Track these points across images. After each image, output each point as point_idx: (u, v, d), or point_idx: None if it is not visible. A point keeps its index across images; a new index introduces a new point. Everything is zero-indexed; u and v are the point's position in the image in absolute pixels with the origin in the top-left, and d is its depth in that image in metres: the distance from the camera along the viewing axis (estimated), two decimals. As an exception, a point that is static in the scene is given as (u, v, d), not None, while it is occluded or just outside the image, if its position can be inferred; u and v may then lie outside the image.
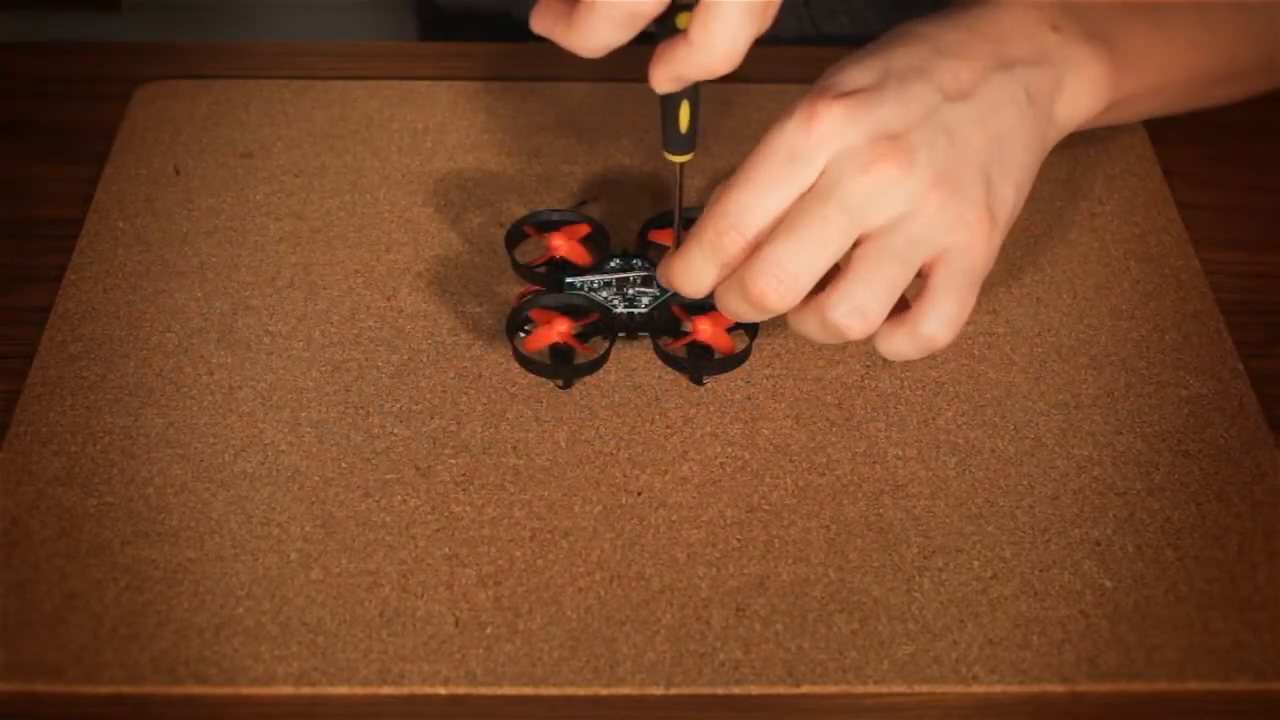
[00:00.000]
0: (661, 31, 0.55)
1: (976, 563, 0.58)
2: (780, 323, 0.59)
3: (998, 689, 0.55)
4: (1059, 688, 0.55)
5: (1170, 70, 0.65)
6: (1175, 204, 0.74)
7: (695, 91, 0.58)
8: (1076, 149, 0.76)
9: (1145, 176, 0.76)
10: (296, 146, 0.76)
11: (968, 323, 0.67)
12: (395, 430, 0.62)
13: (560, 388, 0.64)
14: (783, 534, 0.59)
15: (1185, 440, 0.63)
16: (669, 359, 0.64)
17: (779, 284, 0.55)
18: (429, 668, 0.55)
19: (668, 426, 0.63)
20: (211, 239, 0.71)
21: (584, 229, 0.68)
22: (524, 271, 0.67)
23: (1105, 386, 0.65)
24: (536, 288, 0.66)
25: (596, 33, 0.53)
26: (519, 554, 0.58)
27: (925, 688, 0.55)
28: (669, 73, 0.55)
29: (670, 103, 0.58)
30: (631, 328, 0.65)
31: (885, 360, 0.64)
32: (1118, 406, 0.64)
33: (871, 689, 0.55)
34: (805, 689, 0.55)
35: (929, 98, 0.56)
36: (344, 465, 0.61)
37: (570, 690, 0.54)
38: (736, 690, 0.55)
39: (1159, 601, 0.57)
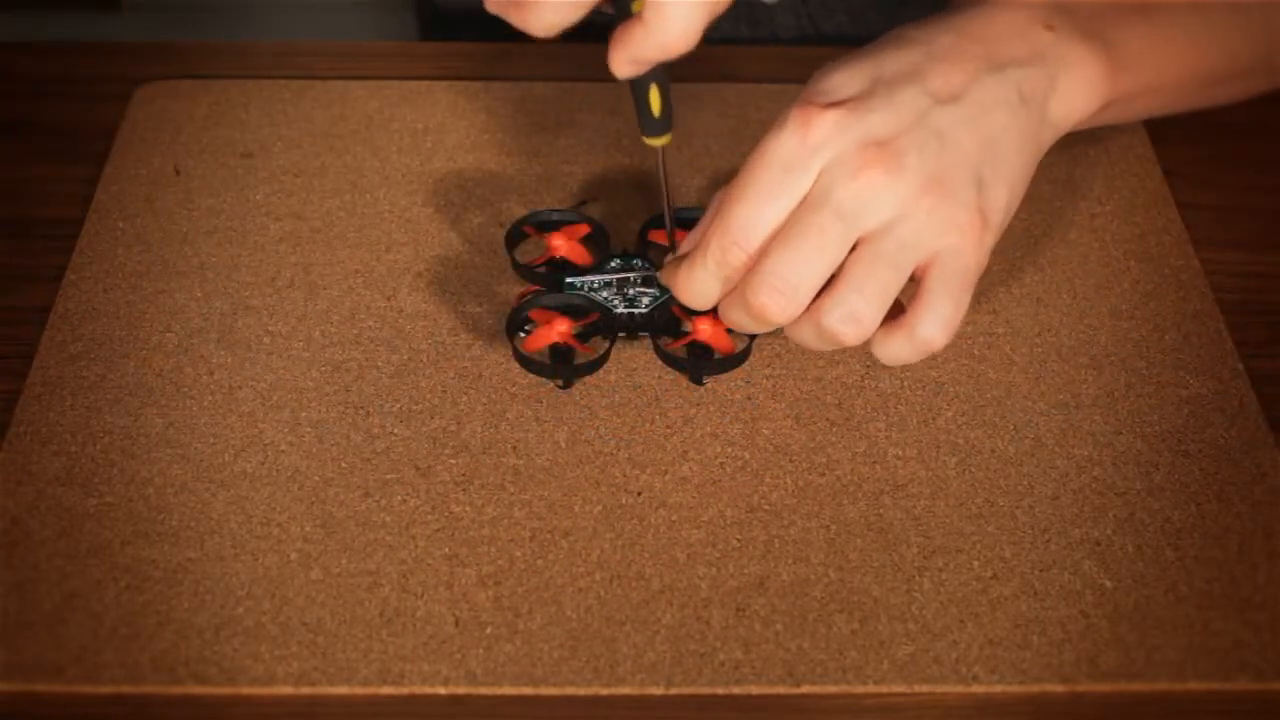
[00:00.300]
0: (618, 15, 0.55)
1: (976, 563, 0.58)
2: (780, 323, 0.59)
3: (998, 689, 0.55)
4: (1059, 688, 0.55)
5: (1169, 70, 0.65)
6: (1175, 204, 0.74)
7: (664, 73, 0.58)
8: (1076, 149, 0.76)
9: (1145, 176, 0.76)
10: (296, 146, 0.76)
11: (967, 323, 0.67)
12: (395, 430, 0.62)
13: (560, 388, 0.64)
14: (783, 534, 0.59)
15: (1185, 440, 0.63)
16: (669, 359, 0.64)
17: (780, 295, 0.55)
18: (429, 668, 0.55)
19: (668, 426, 0.63)
20: (211, 239, 0.71)
21: (584, 229, 0.68)
22: (524, 271, 0.67)
23: (1105, 386, 0.65)
24: (536, 288, 0.66)
25: (547, 11, 0.54)
26: (519, 554, 0.58)
27: (925, 688, 0.55)
28: (626, 55, 0.55)
29: (639, 87, 0.58)
30: (631, 328, 0.65)
31: (885, 361, 0.64)
32: (1118, 406, 0.64)
33: (871, 689, 0.55)
34: (805, 689, 0.55)
35: (919, 102, 0.56)
36: (344, 465, 0.61)
37: (570, 690, 0.54)
38: (736, 690, 0.55)
39: (1159, 601, 0.57)
